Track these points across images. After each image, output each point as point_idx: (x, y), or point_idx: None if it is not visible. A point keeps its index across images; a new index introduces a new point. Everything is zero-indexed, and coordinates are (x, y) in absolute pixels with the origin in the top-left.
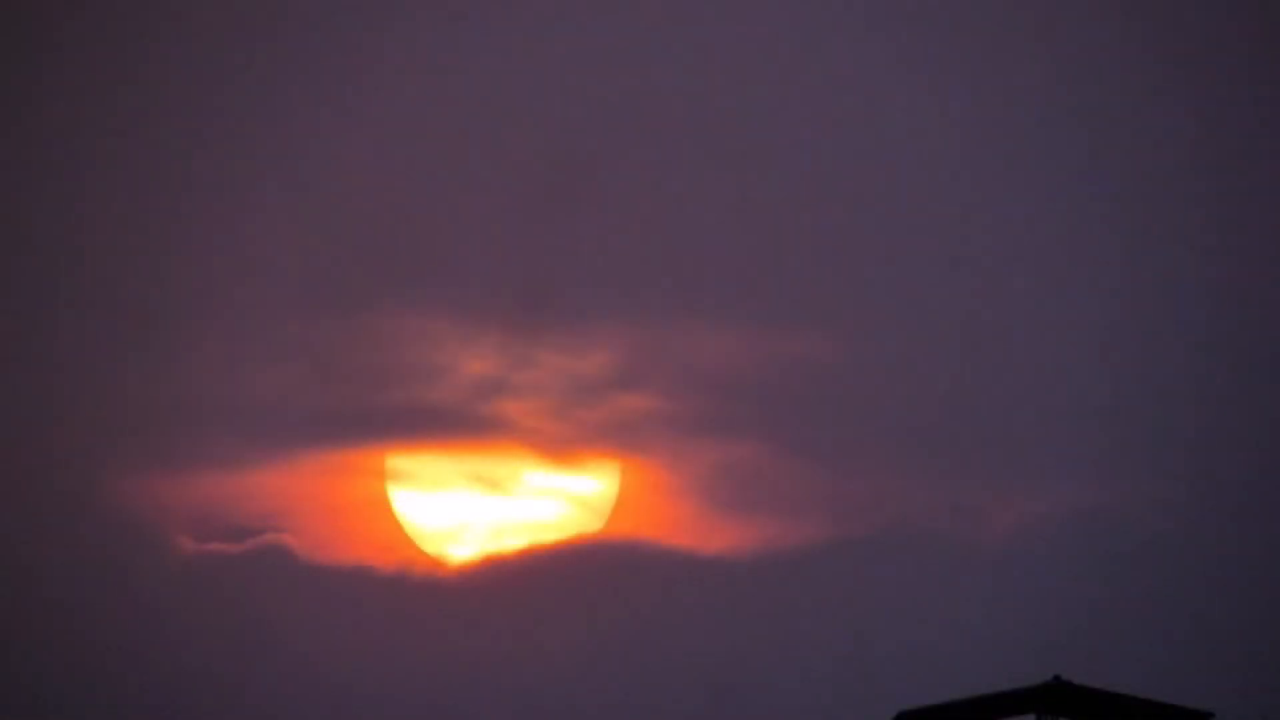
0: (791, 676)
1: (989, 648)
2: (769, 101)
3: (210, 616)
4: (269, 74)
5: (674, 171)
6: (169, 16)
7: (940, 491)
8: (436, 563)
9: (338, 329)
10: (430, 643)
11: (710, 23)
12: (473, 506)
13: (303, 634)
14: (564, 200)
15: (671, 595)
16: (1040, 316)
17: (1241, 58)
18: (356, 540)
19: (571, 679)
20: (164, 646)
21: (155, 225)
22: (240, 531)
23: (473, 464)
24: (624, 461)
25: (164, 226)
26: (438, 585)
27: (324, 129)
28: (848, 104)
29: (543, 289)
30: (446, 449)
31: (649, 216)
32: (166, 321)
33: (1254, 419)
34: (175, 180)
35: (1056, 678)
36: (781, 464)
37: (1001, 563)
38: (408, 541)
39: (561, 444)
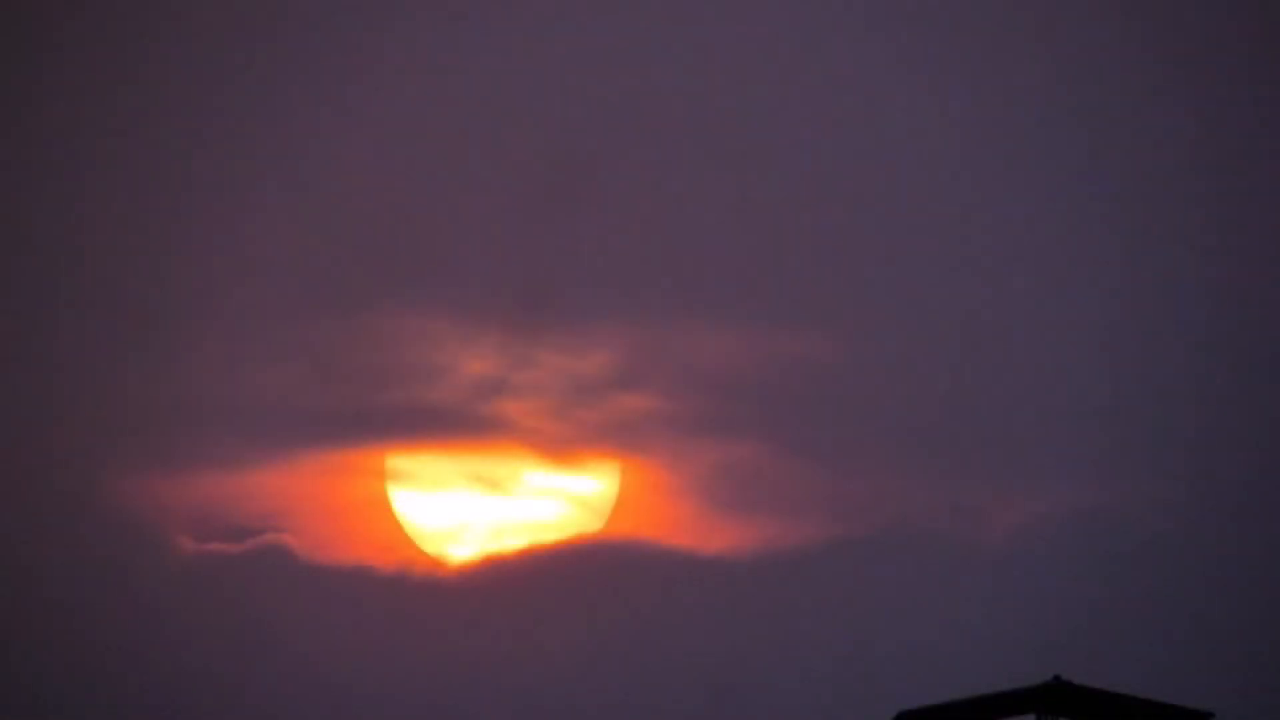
0: (791, 676)
1: (989, 648)
2: (769, 101)
3: (210, 616)
4: (269, 74)
5: (674, 171)
6: (169, 16)
7: (940, 491)
8: (436, 563)
9: (338, 329)
10: (430, 643)
11: (710, 23)
12: (473, 506)
13: (303, 634)
14: (564, 200)
15: (671, 595)
16: (1040, 316)
17: (1241, 58)
18: (356, 540)
19: (571, 679)
20: (164, 646)
21: (155, 225)
22: (240, 531)
23: (473, 464)
24: (624, 461)
25: (164, 226)
26: (438, 585)
27: (324, 129)
28: (848, 104)
29: (543, 289)
30: (446, 449)
31: (649, 216)
32: (166, 321)
33: (1254, 419)
34: (175, 180)
35: (1056, 678)
36: (781, 464)
37: (1001, 563)
38: (408, 541)
39: (561, 444)
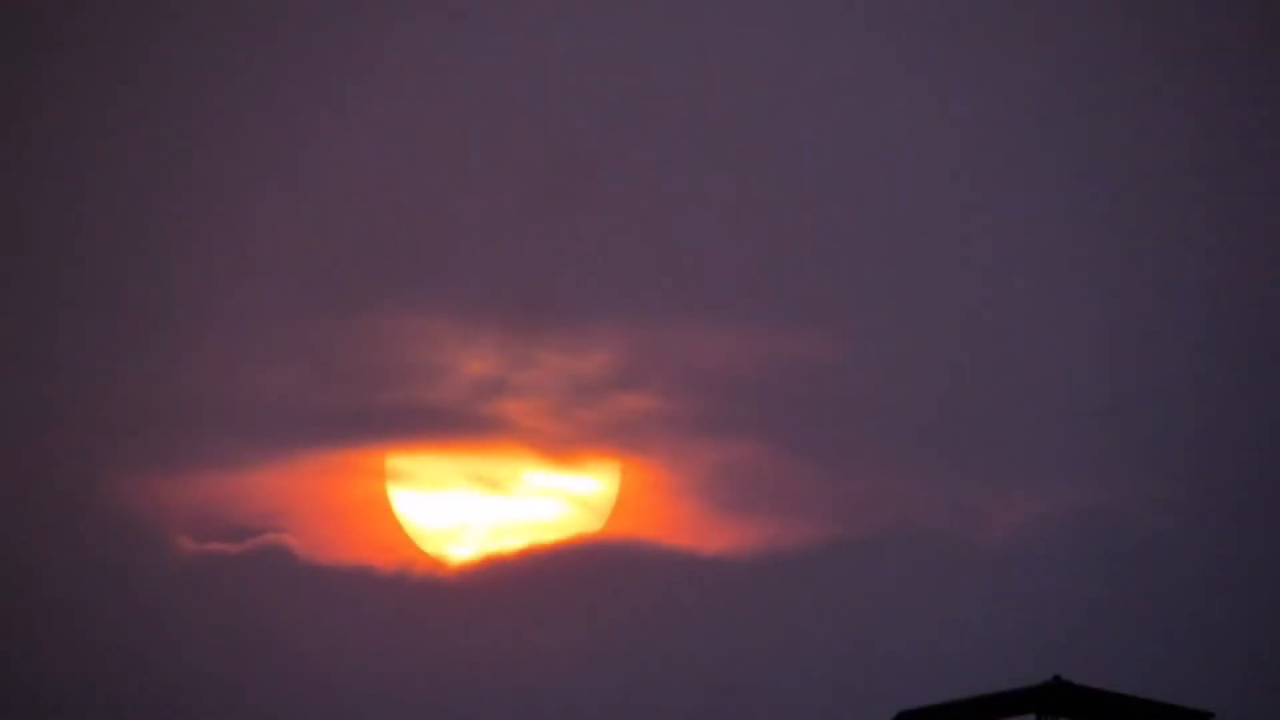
0: (791, 676)
1: (989, 648)
2: (769, 101)
3: (210, 616)
4: (269, 74)
5: (674, 171)
6: (169, 16)
7: (940, 491)
8: (436, 563)
9: (338, 329)
10: (430, 643)
11: (710, 23)
12: (473, 506)
13: (303, 634)
14: (564, 200)
15: (671, 595)
16: (1040, 316)
17: (1241, 58)
18: (356, 540)
19: (571, 679)
20: (164, 646)
21: (155, 225)
22: (240, 531)
23: (473, 464)
24: (624, 461)
25: (164, 226)
26: (438, 585)
27: (324, 129)
28: (848, 104)
29: (543, 289)
30: (446, 449)
31: (649, 216)
32: (166, 321)
33: (1254, 419)
34: (175, 180)
35: (1056, 678)
36: (781, 464)
37: (1001, 563)
38: (408, 541)
39: (561, 444)
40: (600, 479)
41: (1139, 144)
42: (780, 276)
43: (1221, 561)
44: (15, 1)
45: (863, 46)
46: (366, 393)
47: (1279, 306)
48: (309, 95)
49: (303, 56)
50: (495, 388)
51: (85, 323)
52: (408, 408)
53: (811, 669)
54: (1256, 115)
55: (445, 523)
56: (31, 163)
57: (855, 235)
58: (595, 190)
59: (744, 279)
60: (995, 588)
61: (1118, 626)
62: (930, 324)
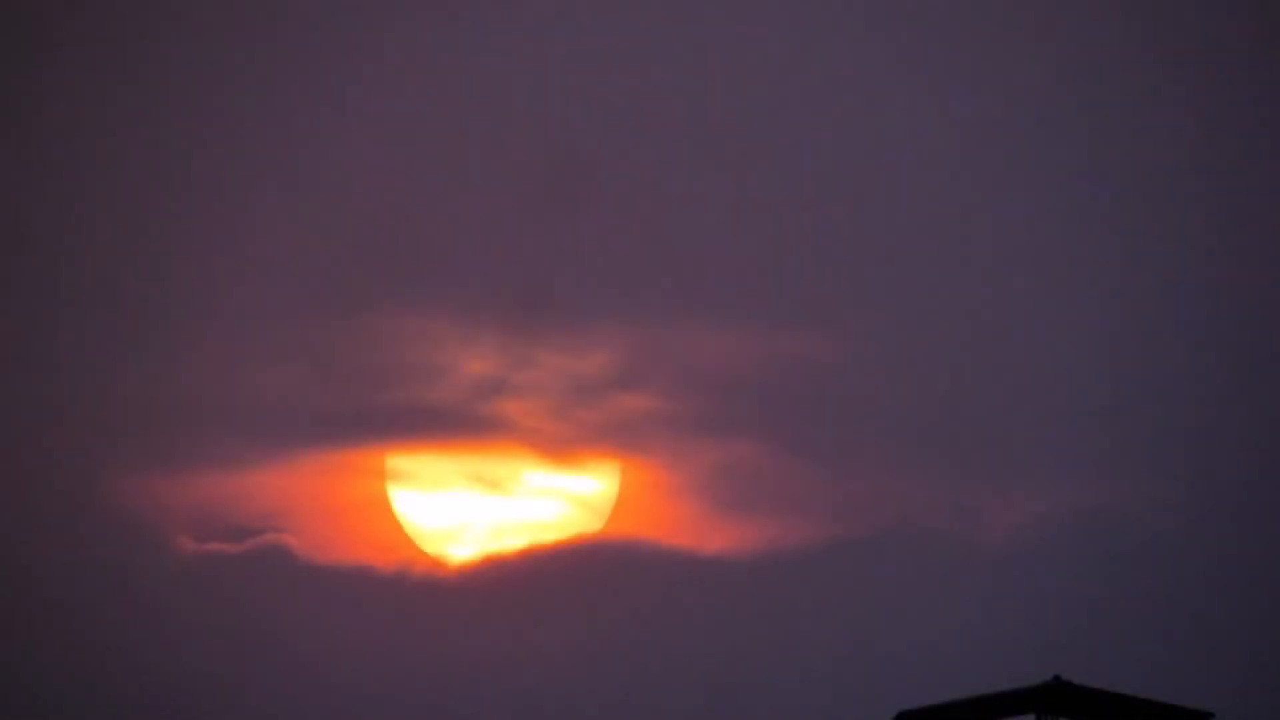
0: (791, 676)
1: (989, 648)
2: (769, 101)
3: (210, 616)
4: (269, 74)
5: (674, 171)
6: (169, 16)
7: (940, 491)
8: (436, 563)
9: (338, 329)
10: (430, 643)
11: (710, 23)
12: (473, 506)
13: (303, 634)
14: (564, 200)
15: (671, 595)
16: (1040, 316)
17: (1241, 58)
18: (356, 540)
19: (571, 679)
20: (164, 646)
21: (155, 225)
22: (240, 531)
23: (473, 464)
24: (624, 461)
25: (164, 226)
26: (438, 585)
27: (324, 129)
28: (848, 104)
29: (543, 289)
30: (446, 449)
31: (649, 216)
32: (166, 321)
33: (1254, 419)
34: (175, 180)
35: (1056, 678)
36: (781, 464)
37: (1001, 563)
38: (408, 541)
39: (561, 444)
40: (600, 479)
41: (1139, 144)
42: (780, 276)
43: (1221, 561)
44: (15, 1)
45: (862, 46)
46: (366, 393)
47: (1279, 306)
48: (309, 95)
49: (303, 56)
50: (495, 388)
51: (85, 323)
52: (408, 408)
53: (811, 669)
54: (1256, 115)
55: (445, 523)
56: (31, 163)
57: (855, 235)
58: (595, 190)
59: (744, 279)
60: (995, 588)
61: (1118, 626)
62: (930, 324)
